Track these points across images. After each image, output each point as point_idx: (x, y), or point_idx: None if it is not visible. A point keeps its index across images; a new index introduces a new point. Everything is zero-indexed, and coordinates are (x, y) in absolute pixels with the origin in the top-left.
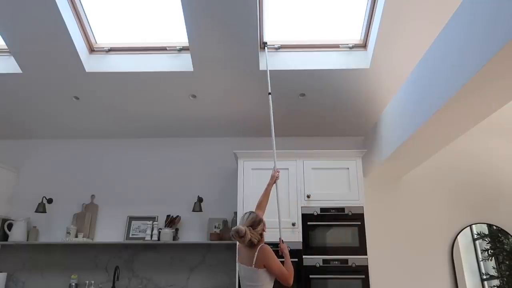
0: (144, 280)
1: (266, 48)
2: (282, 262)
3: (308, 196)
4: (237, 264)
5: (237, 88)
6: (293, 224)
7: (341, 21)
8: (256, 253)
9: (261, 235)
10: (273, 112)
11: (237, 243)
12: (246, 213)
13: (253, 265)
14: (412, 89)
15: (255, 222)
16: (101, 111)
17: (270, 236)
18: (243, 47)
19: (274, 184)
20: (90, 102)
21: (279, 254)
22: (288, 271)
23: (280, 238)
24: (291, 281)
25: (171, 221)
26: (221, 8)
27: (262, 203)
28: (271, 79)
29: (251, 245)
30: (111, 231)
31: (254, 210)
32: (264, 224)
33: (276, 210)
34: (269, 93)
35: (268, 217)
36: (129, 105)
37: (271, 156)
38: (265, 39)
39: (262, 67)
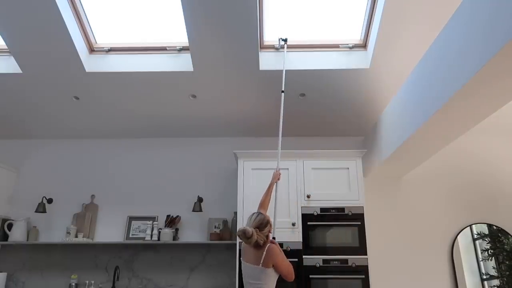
0: (144, 280)
1: (285, 45)
2: None
3: (308, 196)
4: (237, 261)
5: (237, 88)
6: (293, 224)
7: (341, 21)
8: (264, 253)
9: (267, 236)
10: (273, 112)
11: (238, 241)
12: (253, 213)
13: (261, 264)
14: (412, 89)
15: (262, 224)
16: (101, 111)
17: None
18: (243, 47)
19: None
20: (90, 102)
21: None
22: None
23: (273, 237)
24: (293, 276)
25: (171, 221)
26: (221, 8)
27: (264, 202)
28: (271, 79)
29: (257, 245)
30: (111, 231)
31: (257, 209)
32: (270, 226)
33: (272, 208)
34: (282, 91)
35: None
36: (129, 105)
37: (271, 156)
38: (265, 38)
39: (262, 67)
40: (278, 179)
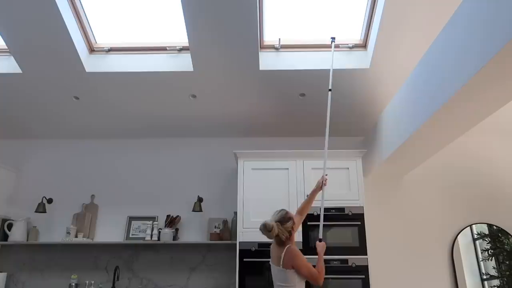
0: (144, 280)
1: (333, 43)
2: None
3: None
4: (237, 261)
5: (237, 88)
6: None
7: (341, 21)
8: (283, 254)
9: (290, 233)
10: (273, 112)
11: (238, 241)
12: (277, 210)
13: (281, 266)
14: (412, 89)
15: (284, 219)
16: (101, 111)
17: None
18: (243, 47)
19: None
20: (90, 102)
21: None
22: (318, 271)
23: (319, 239)
24: (321, 281)
25: (171, 221)
26: (221, 8)
27: (304, 209)
28: (271, 79)
29: (280, 242)
30: (111, 231)
31: (295, 213)
32: (294, 223)
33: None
34: (330, 90)
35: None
36: (129, 105)
37: (271, 156)
38: (265, 38)
39: (262, 67)
40: (324, 184)
